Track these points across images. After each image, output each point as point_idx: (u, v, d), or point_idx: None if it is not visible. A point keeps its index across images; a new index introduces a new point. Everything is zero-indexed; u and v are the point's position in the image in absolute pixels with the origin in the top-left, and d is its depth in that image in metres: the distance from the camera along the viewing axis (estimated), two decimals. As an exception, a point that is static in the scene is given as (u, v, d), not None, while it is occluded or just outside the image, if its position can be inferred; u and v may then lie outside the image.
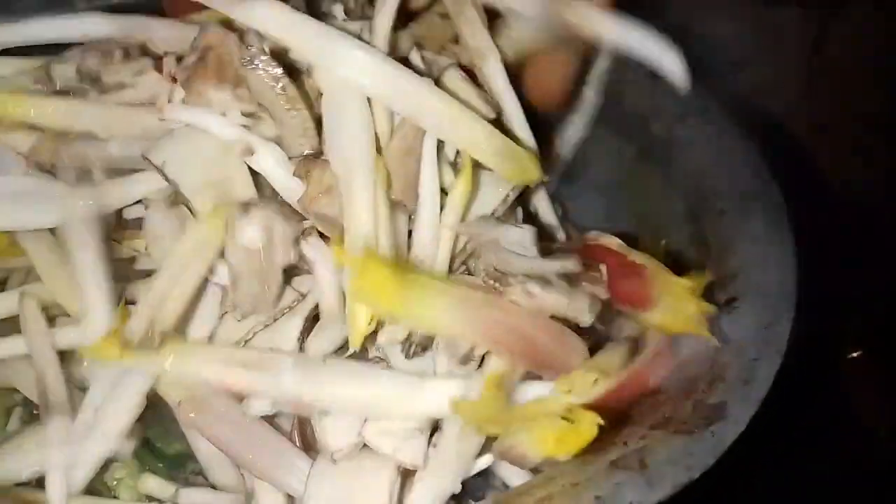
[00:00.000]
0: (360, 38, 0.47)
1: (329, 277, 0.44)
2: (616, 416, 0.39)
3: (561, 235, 0.57)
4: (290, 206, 0.45)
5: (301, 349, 0.44)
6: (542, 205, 0.57)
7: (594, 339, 0.46)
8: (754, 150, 0.55)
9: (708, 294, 0.42)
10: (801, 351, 0.43)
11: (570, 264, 0.40)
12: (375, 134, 0.45)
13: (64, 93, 0.51)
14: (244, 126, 0.46)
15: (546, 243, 0.45)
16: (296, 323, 0.44)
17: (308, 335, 0.45)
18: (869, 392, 0.71)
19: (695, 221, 0.56)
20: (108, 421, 0.44)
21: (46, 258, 0.51)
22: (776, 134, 0.61)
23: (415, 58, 0.50)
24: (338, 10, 0.53)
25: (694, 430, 0.36)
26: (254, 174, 0.46)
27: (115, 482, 0.49)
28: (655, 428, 0.37)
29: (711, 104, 0.59)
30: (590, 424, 0.33)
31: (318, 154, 0.46)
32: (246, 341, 0.44)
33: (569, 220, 0.62)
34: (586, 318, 0.44)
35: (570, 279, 0.41)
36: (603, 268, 0.45)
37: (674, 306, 0.42)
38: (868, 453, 0.67)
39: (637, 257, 0.45)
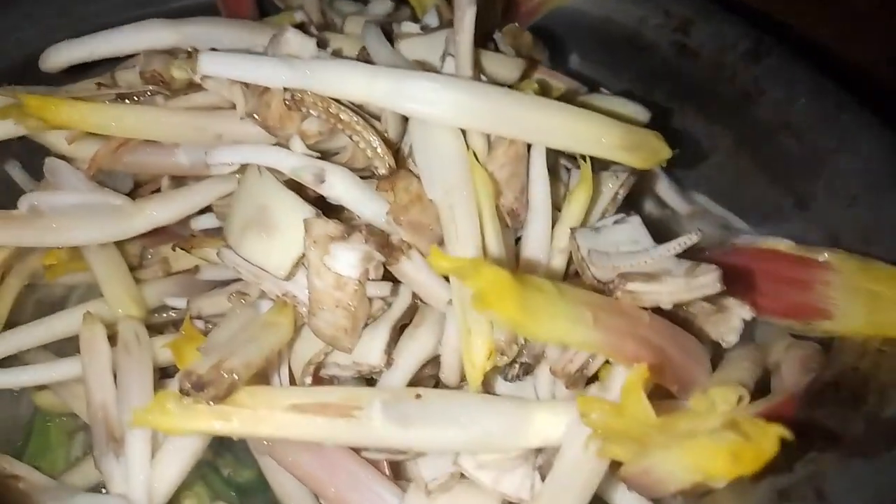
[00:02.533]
0: (445, 52, 0.44)
1: (438, 289, 0.40)
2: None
3: (685, 210, 0.53)
4: (382, 233, 0.40)
5: (389, 362, 0.39)
6: (663, 190, 0.53)
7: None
8: (884, 128, 0.49)
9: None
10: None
11: (691, 238, 0.35)
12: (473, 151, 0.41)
13: (129, 98, 0.48)
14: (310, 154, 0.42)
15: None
16: (381, 334, 0.39)
17: (395, 346, 0.40)
18: None
19: (809, 211, 0.50)
20: (167, 465, 0.40)
21: (109, 272, 0.48)
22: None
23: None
24: (411, 27, 0.50)
25: (874, 451, 0.29)
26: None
27: (185, 513, 0.45)
28: (825, 450, 0.30)
29: (823, 82, 0.53)
30: (771, 439, 0.26)
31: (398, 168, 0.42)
32: (325, 354, 0.40)
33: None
34: (731, 339, 0.39)
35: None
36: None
37: (874, 307, 0.36)
38: None
39: (819, 254, 0.39)
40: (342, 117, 0.41)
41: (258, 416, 0.33)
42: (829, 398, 0.34)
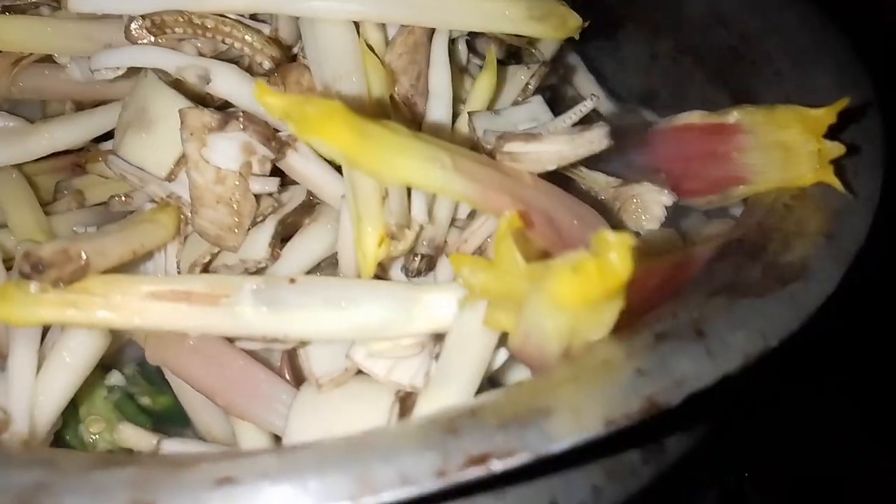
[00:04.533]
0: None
1: (331, 184, 0.38)
2: (662, 295, 0.30)
3: (600, 100, 0.51)
4: (266, 124, 0.38)
5: (275, 257, 0.37)
6: (577, 74, 0.51)
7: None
8: (811, 6, 0.46)
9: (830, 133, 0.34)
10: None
11: (586, 105, 0.32)
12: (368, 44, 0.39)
13: (14, 11, 0.46)
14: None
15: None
16: (267, 229, 0.37)
17: (282, 244, 0.38)
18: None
19: (742, 99, 0.47)
20: (52, 380, 0.37)
21: (13, 199, 0.46)
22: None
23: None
24: None
25: (765, 293, 0.27)
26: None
27: (91, 438, 0.43)
28: (714, 296, 0.28)
29: (756, -35, 0.50)
30: (621, 251, 0.23)
31: (290, 59, 0.40)
32: (212, 255, 0.38)
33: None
34: (652, 224, 0.38)
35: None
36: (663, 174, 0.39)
37: (786, 157, 0.34)
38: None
39: (727, 116, 0.37)
40: (207, 24, 0.39)
41: (112, 304, 0.31)
42: (730, 252, 0.31)
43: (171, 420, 0.45)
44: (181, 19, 0.38)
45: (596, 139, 0.31)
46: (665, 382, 0.24)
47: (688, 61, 0.56)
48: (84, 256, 0.31)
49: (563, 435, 0.22)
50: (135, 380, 0.46)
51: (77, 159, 0.47)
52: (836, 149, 0.33)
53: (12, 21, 0.44)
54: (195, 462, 0.25)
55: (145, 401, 0.46)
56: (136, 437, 0.42)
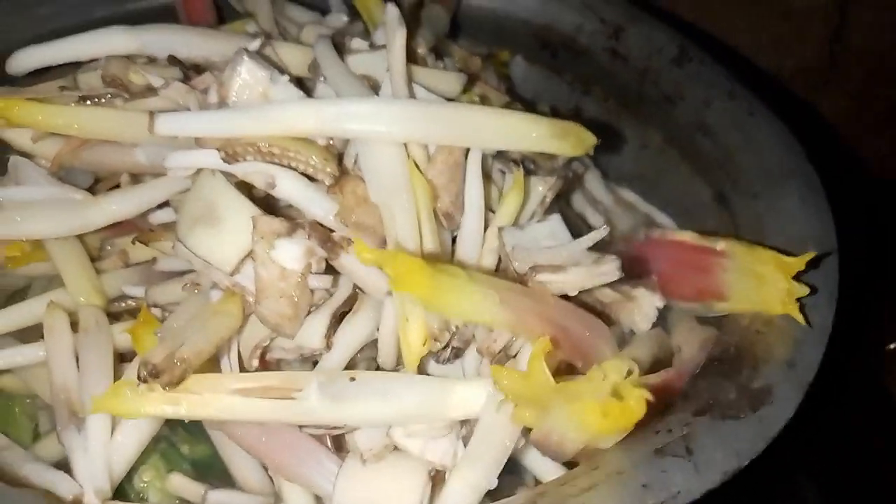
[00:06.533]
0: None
1: (377, 283, 0.43)
2: (657, 406, 0.37)
3: (613, 205, 0.59)
4: (324, 230, 0.44)
5: (328, 346, 0.43)
6: (593, 184, 0.58)
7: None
8: (785, 130, 0.54)
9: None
10: (839, 342, 0.41)
11: (599, 233, 0.39)
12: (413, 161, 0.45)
13: (90, 100, 0.51)
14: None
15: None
16: (322, 320, 0.43)
17: (334, 331, 0.44)
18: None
19: (725, 205, 0.55)
20: (125, 441, 0.43)
21: (71, 263, 0.51)
22: (804, 119, 0.59)
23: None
24: (360, 44, 0.53)
25: (740, 415, 0.34)
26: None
27: (143, 485, 0.48)
28: (699, 414, 0.35)
29: (737, 87, 0.58)
30: (638, 400, 0.31)
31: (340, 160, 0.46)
32: (271, 339, 0.43)
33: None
34: (643, 326, 0.44)
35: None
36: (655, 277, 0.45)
37: (760, 288, 0.41)
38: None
39: (716, 243, 0.44)
40: (274, 152, 0.44)
41: (205, 401, 0.37)
42: (710, 371, 0.38)
43: (210, 469, 0.50)
44: (251, 149, 0.43)
45: (609, 272, 0.39)
46: (663, 495, 0.31)
47: (675, 154, 0.63)
48: (187, 361, 0.37)
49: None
50: (175, 429, 0.51)
51: (141, 236, 0.52)
52: (802, 290, 0.40)
53: (90, 111, 0.49)
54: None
55: (185, 449, 0.51)
56: (184, 486, 0.47)
